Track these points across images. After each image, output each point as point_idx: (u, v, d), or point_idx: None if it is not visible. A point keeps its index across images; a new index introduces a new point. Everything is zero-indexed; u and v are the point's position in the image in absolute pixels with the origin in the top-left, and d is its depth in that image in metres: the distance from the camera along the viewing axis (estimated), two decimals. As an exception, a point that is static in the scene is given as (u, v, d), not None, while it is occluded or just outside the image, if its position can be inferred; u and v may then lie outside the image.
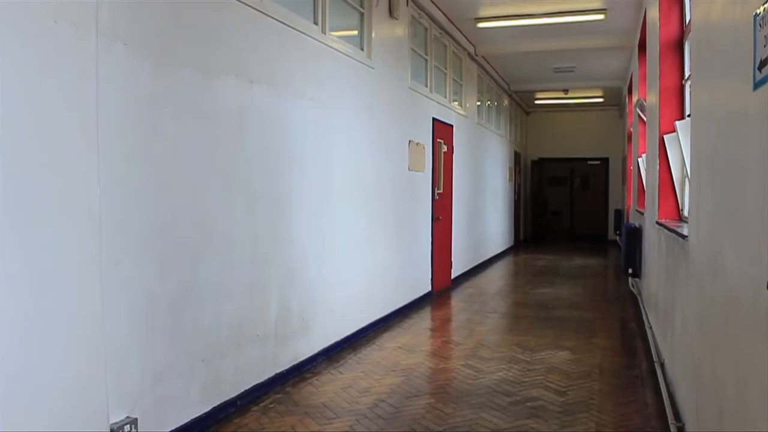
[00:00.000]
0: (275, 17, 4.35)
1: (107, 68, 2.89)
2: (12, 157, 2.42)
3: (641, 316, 6.73)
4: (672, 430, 3.51)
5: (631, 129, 10.28)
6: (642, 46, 7.70)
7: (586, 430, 3.74)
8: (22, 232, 2.47)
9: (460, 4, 8.02)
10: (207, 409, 3.69)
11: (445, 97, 8.96)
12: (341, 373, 4.84)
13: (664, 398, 3.97)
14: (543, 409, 4.07)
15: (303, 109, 4.77)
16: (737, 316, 2.19)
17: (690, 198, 3.69)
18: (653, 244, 5.64)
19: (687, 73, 4.81)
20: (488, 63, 11.41)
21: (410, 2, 7.17)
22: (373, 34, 6.17)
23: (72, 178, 2.71)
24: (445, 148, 8.72)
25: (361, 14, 6.08)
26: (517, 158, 15.81)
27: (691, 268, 3.27)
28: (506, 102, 14.27)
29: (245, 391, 4.08)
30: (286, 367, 4.59)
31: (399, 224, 6.97)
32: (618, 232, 13.72)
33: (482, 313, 7.30)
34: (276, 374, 4.44)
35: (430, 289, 8.14)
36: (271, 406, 4.10)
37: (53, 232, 2.61)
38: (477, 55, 10.40)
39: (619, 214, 14.11)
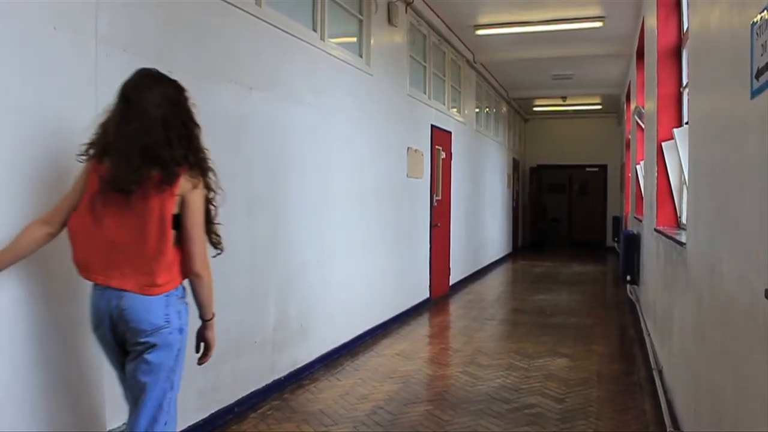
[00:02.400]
0: (274, 24, 4.36)
1: (106, 74, 2.89)
2: (11, 161, 2.42)
3: (639, 323, 6.73)
4: (670, 437, 3.50)
5: (630, 136, 10.30)
6: (640, 54, 7.73)
7: (584, 438, 3.74)
8: (21, 237, 2.47)
9: (458, 11, 8.04)
10: (205, 415, 3.68)
11: (444, 104, 8.98)
12: (339, 379, 4.83)
13: (663, 405, 3.97)
14: (541, 416, 4.07)
15: (302, 115, 4.78)
16: (735, 323, 2.20)
17: (688, 205, 3.70)
18: (651, 252, 5.64)
19: (685, 81, 4.82)
20: (487, 70, 11.44)
21: (409, 9, 7.20)
22: (372, 41, 6.19)
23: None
24: (443, 155, 8.73)
25: (360, 21, 6.09)
26: (515, 165, 15.83)
27: (689, 276, 3.27)
28: (505, 109, 14.31)
29: (243, 397, 4.07)
30: (284, 374, 4.58)
31: (397, 231, 6.97)
32: (616, 239, 13.72)
33: (480, 319, 7.30)
34: (274, 381, 4.42)
35: (428, 295, 8.13)
36: (269, 413, 4.09)
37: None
38: (476, 62, 10.42)
39: (618, 221, 14.11)
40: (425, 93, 8.05)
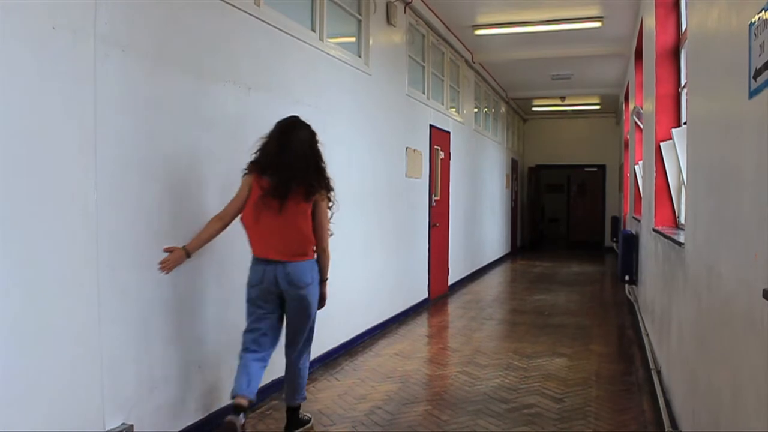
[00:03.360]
0: (273, 24, 4.36)
1: (105, 74, 2.90)
2: (9, 161, 2.42)
3: (638, 323, 6.73)
4: (669, 437, 3.50)
5: (628, 136, 10.31)
6: (639, 54, 7.74)
7: (582, 438, 3.74)
8: (19, 236, 2.47)
9: (457, 11, 8.05)
10: (203, 416, 3.68)
11: (443, 104, 8.98)
12: (338, 379, 4.83)
13: (661, 405, 3.97)
14: (540, 416, 4.07)
15: (300, 115, 4.75)
16: (733, 324, 2.20)
17: (686, 206, 3.70)
18: (650, 252, 5.65)
19: (683, 81, 4.83)
20: (485, 70, 11.45)
21: (408, 9, 7.20)
22: (371, 41, 6.19)
23: (69, 183, 2.71)
24: (442, 155, 8.73)
25: (359, 21, 6.09)
26: (514, 165, 15.84)
27: (687, 276, 3.27)
28: (503, 109, 14.31)
29: (241, 397, 4.05)
30: (283, 374, 4.56)
31: (396, 231, 6.97)
32: (615, 239, 13.74)
33: (479, 319, 7.30)
34: (272, 380, 4.42)
35: (427, 295, 8.13)
36: (268, 412, 4.09)
37: (50, 237, 2.61)
38: (474, 62, 10.43)
39: (616, 221, 14.13)
40: (424, 93, 8.05)
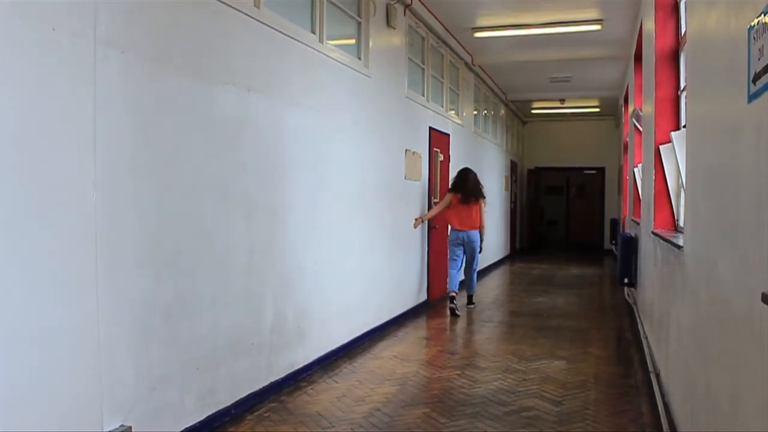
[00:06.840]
0: (273, 26, 4.36)
1: (104, 75, 2.90)
2: (8, 163, 2.42)
3: (637, 325, 6.73)
4: (667, 440, 3.50)
5: (627, 139, 10.32)
6: (638, 57, 7.74)
7: (581, 441, 3.73)
8: (17, 238, 2.47)
9: (457, 14, 8.05)
10: (201, 417, 3.68)
11: (442, 106, 8.98)
12: (336, 381, 4.83)
13: (660, 408, 3.97)
14: (538, 418, 4.07)
15: (300, 117, 4.78)
16: (732, 327, 2.20)
17: (685, 208, 3.70)
18: (649, 254, 5.65)
19: (683, 84, 4.83)
20: (485, 72, 11.45)
21: (408, 12, 7.20)
22: (371, 44, 6.19)
23: (68, 185, 2.71)
24: (441, 157, 8.73)
25: (359, 23, 6.10)
26: (513, 167, 15.84)
27: (686, 279, 3.27)
28: (503, 111, 14.31)
29: (240, 399, 4.06)
30: (281, 376, 4.57)
31: (395, 233, 6.97)
32: (614, 242, 13.74)
33: (478, 322, 7.30)
34: (271, 383, 4.42)
35: (426, 298, 8.13)
36: (266, 414, 4.09)
37: (49, 239, 2.61)
38: (474, 65, 10.43)
39: (615, 224, 14.13)
40: (423, 95, 8.05)
